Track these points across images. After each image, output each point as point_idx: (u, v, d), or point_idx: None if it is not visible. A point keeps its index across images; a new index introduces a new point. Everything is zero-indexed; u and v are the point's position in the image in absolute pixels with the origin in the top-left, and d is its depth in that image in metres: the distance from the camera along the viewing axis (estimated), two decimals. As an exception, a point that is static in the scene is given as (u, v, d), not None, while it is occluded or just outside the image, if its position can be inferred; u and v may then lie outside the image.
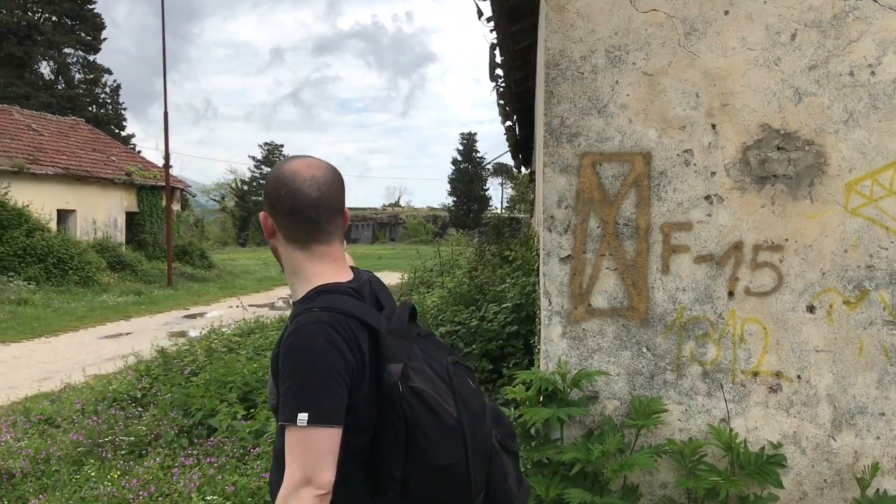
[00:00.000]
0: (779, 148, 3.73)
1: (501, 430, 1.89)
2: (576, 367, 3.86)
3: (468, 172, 70.61)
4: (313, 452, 1.61)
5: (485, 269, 8.19)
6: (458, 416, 1.69)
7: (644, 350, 3.82)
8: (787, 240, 3.73)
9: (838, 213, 3.70)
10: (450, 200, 73.40)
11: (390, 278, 16.31)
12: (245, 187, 68.10)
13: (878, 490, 3.61)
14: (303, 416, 1.62)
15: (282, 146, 70.96)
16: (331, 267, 1.86)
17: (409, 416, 1.68)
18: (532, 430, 3.77)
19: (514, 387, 3.83)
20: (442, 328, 6.25)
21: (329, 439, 1.63)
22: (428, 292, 9.51)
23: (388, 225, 68.96)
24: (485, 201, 72.25)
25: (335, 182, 1.88)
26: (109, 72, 47.57)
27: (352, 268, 1.95)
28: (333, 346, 1.67)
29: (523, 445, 3.66)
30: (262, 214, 1.93)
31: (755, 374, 3.75)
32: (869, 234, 3.67)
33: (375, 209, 77.24)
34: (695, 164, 3.78)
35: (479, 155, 72.20)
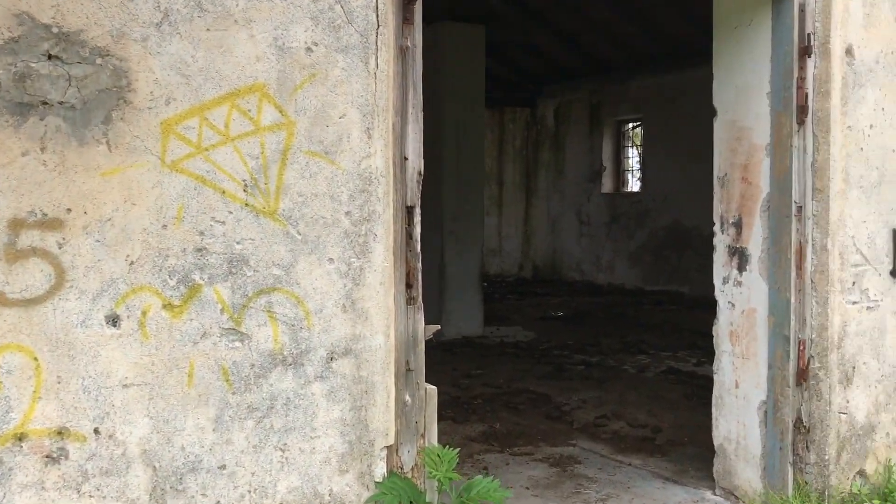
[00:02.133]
0: (52, 56, 2.23)
1: None
2: None
3: None
4: None
5: None
6: None
7: None
8: (70, 210, 2.26)
9: (153, 167, 2.37)
10: None
11: None
12: None
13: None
14: None
15: None
16: None
17: None
18: None
19: None
20: None
21: None
22: None
23: None
24: None
25: None
26: None
27: None
28: None
29: None
30: None
31: (20, 437, 2.22)
32: (199, 200, 2.43)
33: None
34: None
35: None
